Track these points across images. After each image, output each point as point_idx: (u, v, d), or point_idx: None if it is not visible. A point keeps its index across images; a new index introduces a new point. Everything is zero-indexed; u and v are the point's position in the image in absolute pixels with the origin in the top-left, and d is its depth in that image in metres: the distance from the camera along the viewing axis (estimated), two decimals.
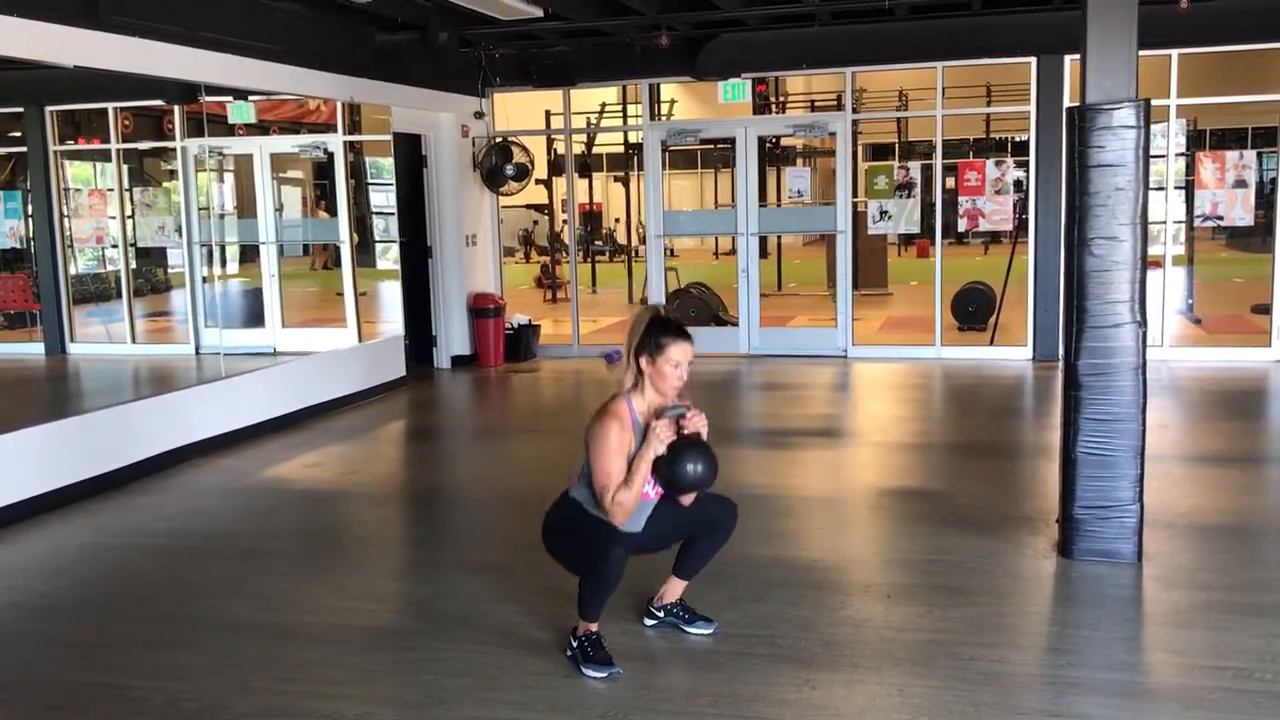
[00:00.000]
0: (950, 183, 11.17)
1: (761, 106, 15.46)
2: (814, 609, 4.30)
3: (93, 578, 5.03)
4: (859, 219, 11.35)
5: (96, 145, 9.82)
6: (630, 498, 3.63)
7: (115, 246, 9.86)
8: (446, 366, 10.85)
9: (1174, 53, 9.49)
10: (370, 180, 10.80)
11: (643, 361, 3.68)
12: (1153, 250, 8.15)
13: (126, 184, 9.99)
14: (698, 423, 3.70)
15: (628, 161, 20.13)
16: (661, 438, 3.62)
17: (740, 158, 11.02)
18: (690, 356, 3.71)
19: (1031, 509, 5.50)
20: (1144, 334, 4.57)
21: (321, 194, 10.93)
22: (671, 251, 20.15)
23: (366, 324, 10.35)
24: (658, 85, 12.46)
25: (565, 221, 13.00)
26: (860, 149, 19.67)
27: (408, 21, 9.09)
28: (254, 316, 10.37)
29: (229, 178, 10.52)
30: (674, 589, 4.07)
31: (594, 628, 3.79)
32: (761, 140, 13.00)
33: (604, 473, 3.63)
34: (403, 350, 9.88)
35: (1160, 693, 3.58)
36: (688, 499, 3.85)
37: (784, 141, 19.93)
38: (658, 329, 3.68)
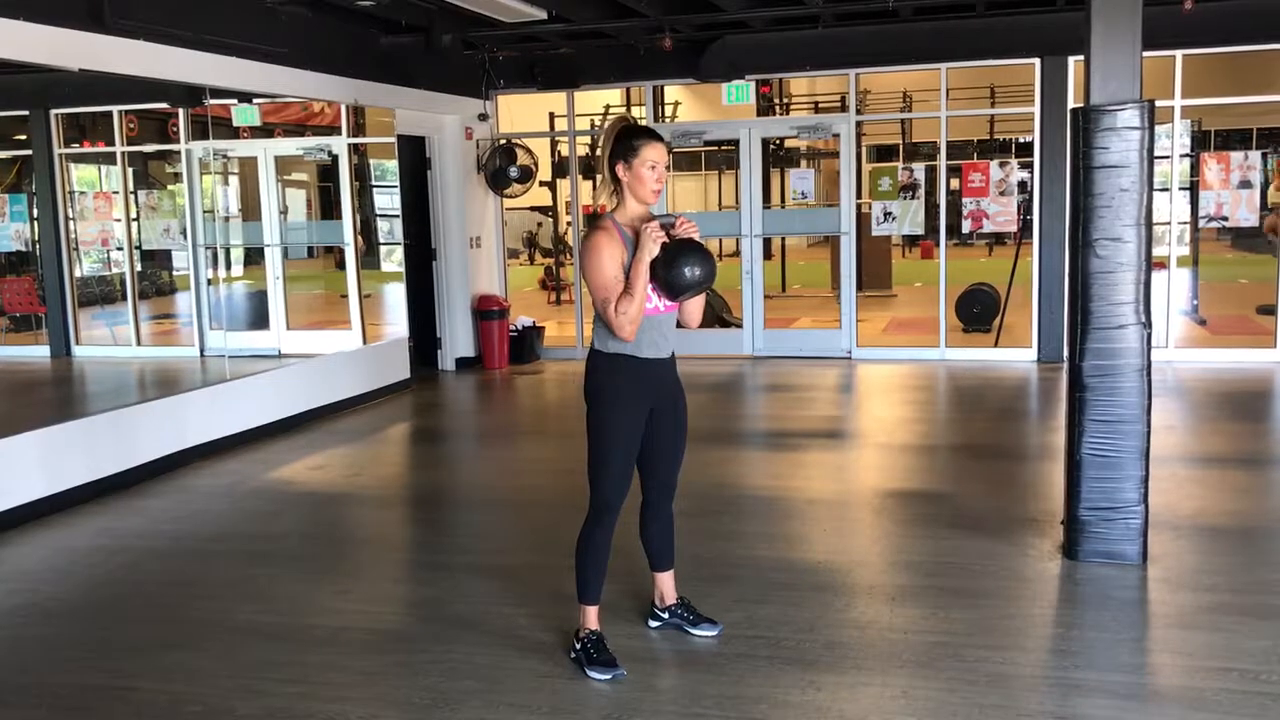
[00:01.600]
0: (954, 184, 11.15)
1: (765, 108, 15.47)
2: (818, 611, 4.30)
3: (98, 580, 5.04)
4: (863, 220, 11.34)
5: (101, 148, 9.85)
6: (634, 306, 3.55)
7: (120, 249, 9.89)
8: (451, 369, 10.85)
9: (1178, 53, 9.48)
10: (375, 183, 10.82)
11: (619, 169, 3.63)
12: (1157, 251, 8.15)
13: (131, 187, 10.02)
14: (689, 229, 3.62)
15: None
16: (654, 238, 3.54)
17: (744, 159, 11.01)
18: (665, 158, 3.65)
19: (1036, 510, 5.49)
20: (1149, 335, 4.56)
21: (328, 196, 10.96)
22: None
23: (371, 326, 10.37)
24: (661, 87, 12.47)
25: (569, 223, 12.99)
26: (864, 150, 19.67)
27: (411, 24, 9.10)
28: (259, 319, 10.39)
29: (233, 180, 10.54)
30: (666, 584, 4.07)
31: (595, 625, 3.79)
32: (765, 142, 13.00)
33: (601, 285, 3.57)
34: (407, 352, 9.88)
35: (1165, 695, 3.57)
36: (693, 312, 3.80)
37: (788, 143, 19.92)
38: (628, 134, 3.64)
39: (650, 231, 3.55)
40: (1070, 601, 4.43)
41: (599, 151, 3.72)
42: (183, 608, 4.60)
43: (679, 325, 3.83)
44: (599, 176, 3.73)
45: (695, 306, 3.83)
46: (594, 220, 3.70)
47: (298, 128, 10.70)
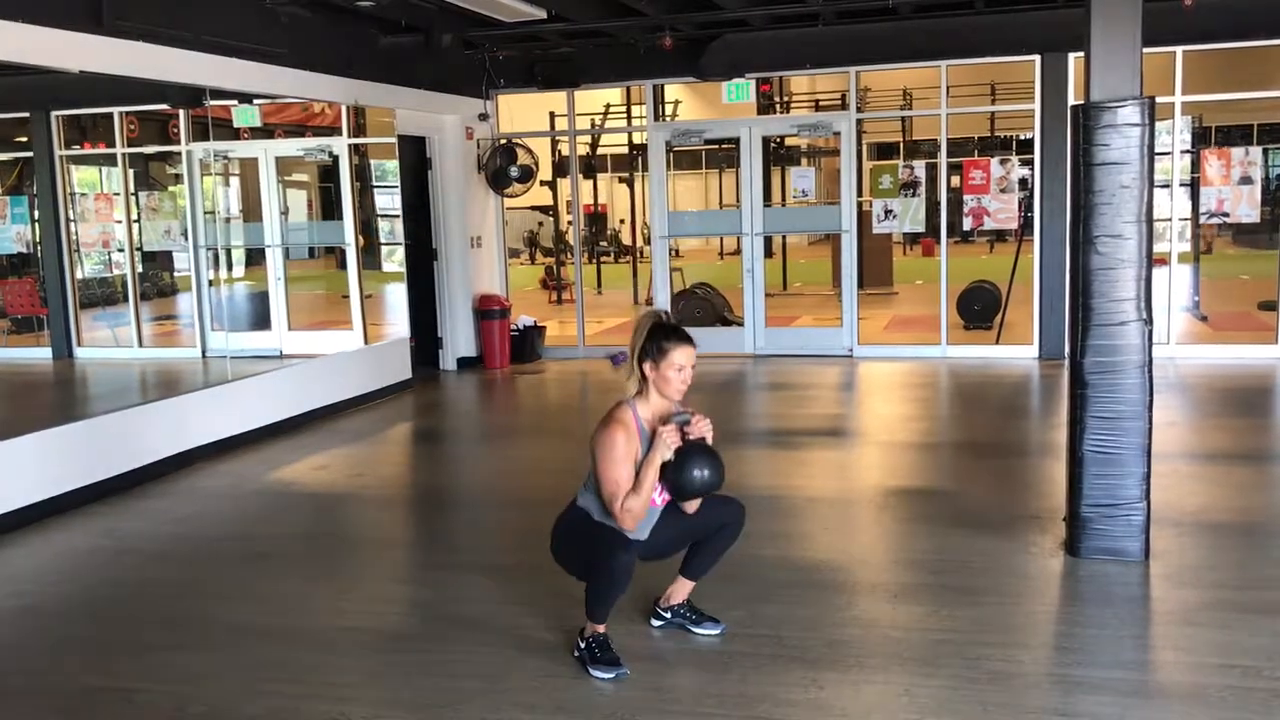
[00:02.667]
0: (955, 181, 11.15)
1: (765, 106, 15.45)
2: (821, 609, 4.30)
3: (101, 581, 5.04)
4: (864, 218, 11.34)
5: (102, 150, 9.85)
6: (639, 504, 3.64)
7: (121, 250, 9.89)
8: (452, 368, 10.86)
9: (1179, 49, 9.48)
10: (375, 183, 10.82)
11: (646, 367, 3.70)
12: (1158, 248, 8.14)
13: (132, 188, 10.02)
14: (703, 428, 3.71)
15: (632, 162, 20.13)
16: (668, 443, 3.63)
17: (745, 158, 11.01)
18: (693, 360, 3.72)
19: (1038, 508, 5.49)
20: (1150, 332, 4.56)
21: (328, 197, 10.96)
22: (676, 252, 20.13)
23: (372, 326, 10.37)
24: (662, 86, 12.46)
25: (570, 223, 13.00)
26: (865, 148, 19.67)
27: (411, 24, 9.10)
28: (260, 320, 10.40)
29: (234, 181, 10.54)
30: (681, 589, 4.08)
31: (601, 629, 3.80)
32: (766, 140, 13.01)
33: (612, 480, 3.64)
34: (408, 352, 9.88)
35: (1168, 691, 3.57)
36: (693, 506, 3.85)
37: (788, 141, 19.91)
38: (659, 334, 3.69)
39: (665, 436, 3.63)
40: (1072, 598, 4.44)
41: (630, 344, 3.75)
42: (186, 608, 4.60)
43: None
44: (628, 367, 3.75)
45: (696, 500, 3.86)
46: (615, 406, 3.74)
47: (298, 128, 10.70)
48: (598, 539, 3.70)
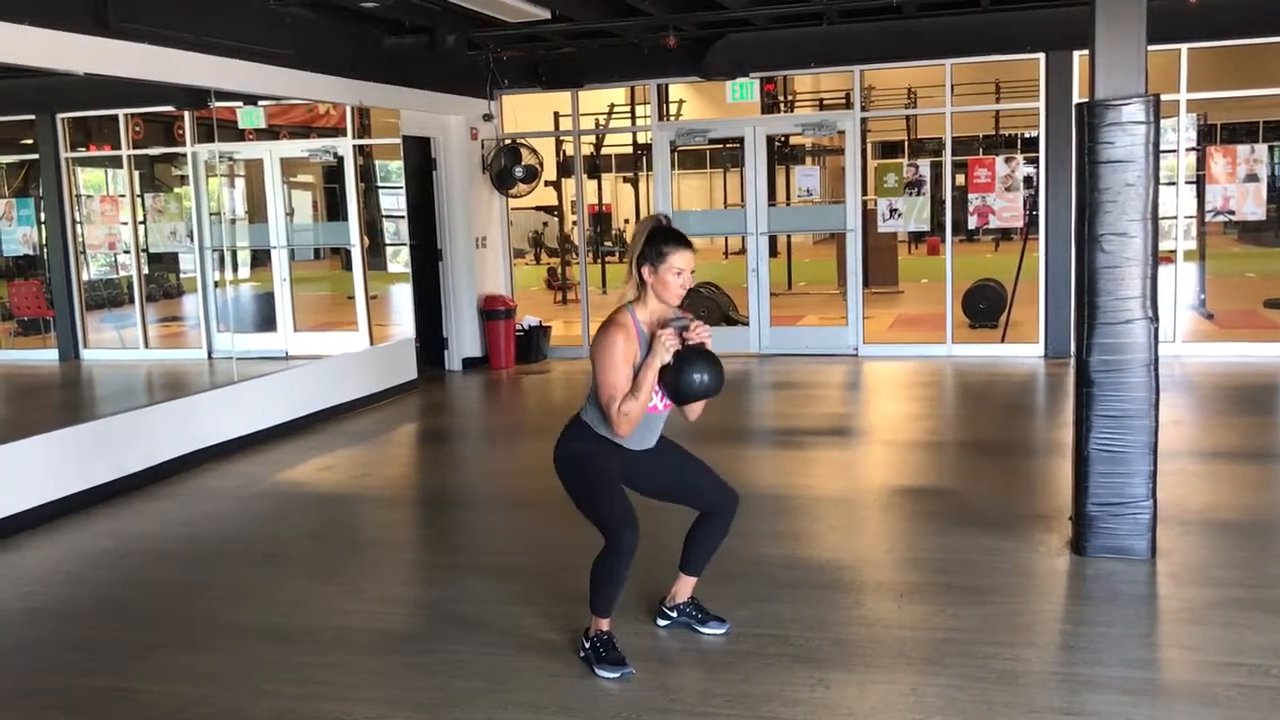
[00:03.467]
0: (960, 180, 11.14)
1: (770, 106, 15.45)
2: (827, 608, 4.30)
3: (107, 582, 5.05)
4: (869, 217, 11.34)
5: (108, 151, 9.87)
6: (636, 407, 3.61)
7: (127, 252, 9.91)
8: (458, 369, 10.87)
9: (1184, 47, 9.46)
10: (380, 184, 10.83)
11: (645, 271, 3.68)
12: (1164, 246, 8.13)
13: (138, 190, 10.05)
14: (702, 333, 3.68)
15: (636, 162, 20.15)
16: (667, 346, 3.59)
17: (749, 157, 11.01)
18: (691, 264, 3.70)
19: (1044, 506, 5.48)
20: (1156, 330, 4.56)
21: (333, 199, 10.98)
22: None
23: (378, 327, 10.39)
24: (666, 86, 12.48)
25: (575, 223, 13.01)
26: (869, 147, 19.63)
27: (415, 25, 9.11)
28: (266, 321, 10.41)
29: (239, 183, 10.57)
30: (685, 587, 4.08)
31: (606, 627, 3.79)
32: (770, 139, 13.01)
33: (610, 383, 3.62)
34: (414, 353, 9.90)
35: (1175, 690, 3.57)
36: (695, 410, 3.82)
37: (793, 140, 19.90)
38: (659, 237, 3.68)
39: (664, 339, 3.60)
40: (1079, 597, 4.43)
41: (629, 248, 3.76)
42: (192, 609, 4.61)
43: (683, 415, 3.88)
44: (627, 271, 3.76)
45: (698, 404, 3.84)
46: (614, 311, 3.74)
47: (303, 129, 10.72)
48: (603, 482, 3.69)
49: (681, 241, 3.69)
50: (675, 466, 3.91)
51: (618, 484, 3.76)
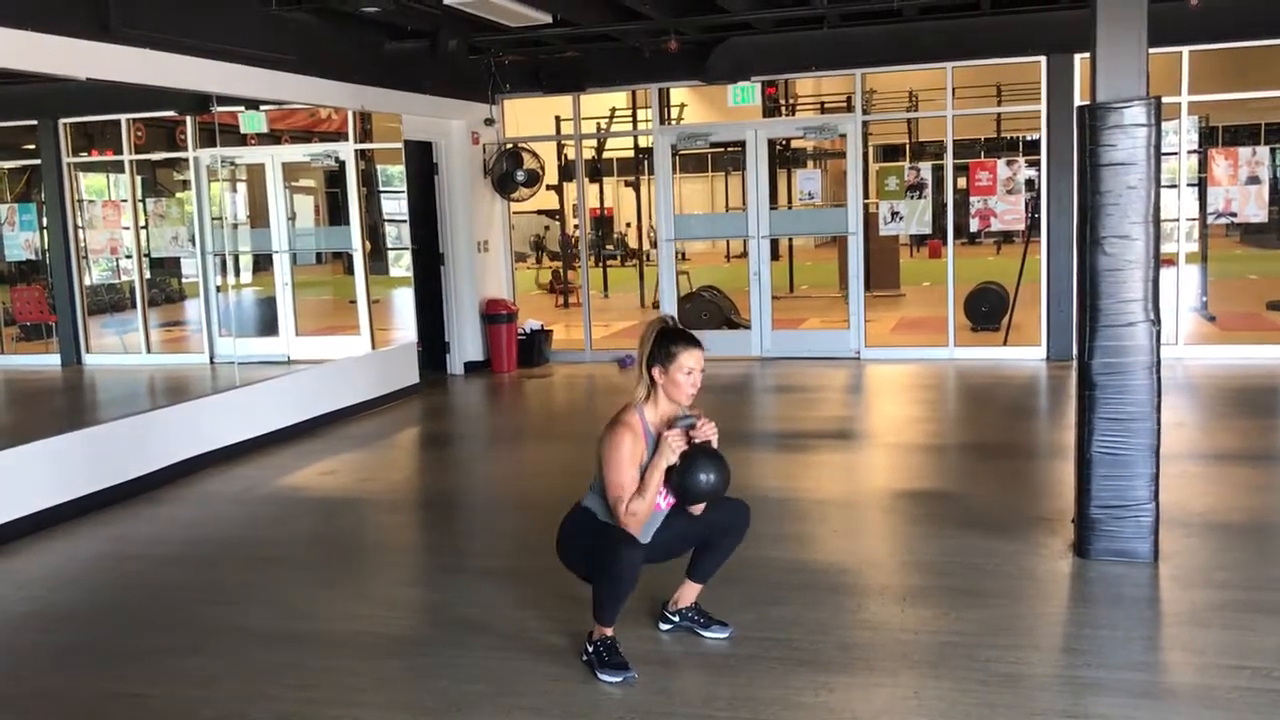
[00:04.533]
0: (962, 183, 11.14)
1: (771, 109, 15.46)
2: (830, 612, 4.29)
3: (110, 586, 5.05)
4: (870, 220, 11.33)
5: (109, 157, 9.87)
6: (644, 507, 3.65)
7: (129, 257, 9.91)
8: (460, 372, 10.87)
9: (1185, 49, 9.46)
10: (382, 188, 10.83)
11: (655, 372, 3.71)
12: (1166, 248, 8.11)
13: (140, 195, 10.05)
14: (708, 431, 3.72)
15: (638, 166, 20.14)
16: (674, 447, 3.64)
17: (750, 161, 11.02)
18: (702, 363, 3.73)
19: (1047, 509, 5.48)
20: (1158, 332, 4.56)
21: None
22: (683, 255, 20.13)
23: (380, 331, 10.38)
24: (667, 89, 12.48)
25: (577, 226, 13.02)
26: (871, 150, 19.64)
27: (417, 30, 9.12)
28: (268, 325, 10.41)
29: (241, 187, 10.56)
30: (689, 592, 4.08)
31: (609, 632, 3.80)
32: (772, 143, 13.00)
33: (617, 484, 3.65)
34: (416, 357, 9.90)
35: (1178, 692, 3.56)
36: (698, 508, 3.85)
37: (794, 144, 19.90)
38: (667, 339, 3.70)
39: (670, 440, 3.63)
40: (1082, 600, 4.42)
41: (638, 350, 3.77)
42: (195, 613, 4.61)
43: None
44: (637, 373, 3.77)
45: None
46: (622, 409, 3.75)
47: (305, 134, 10.72)
48: (603, 537, 3.71)
49: (690, 341, 3.72)
50: (678, 530, 3.89)
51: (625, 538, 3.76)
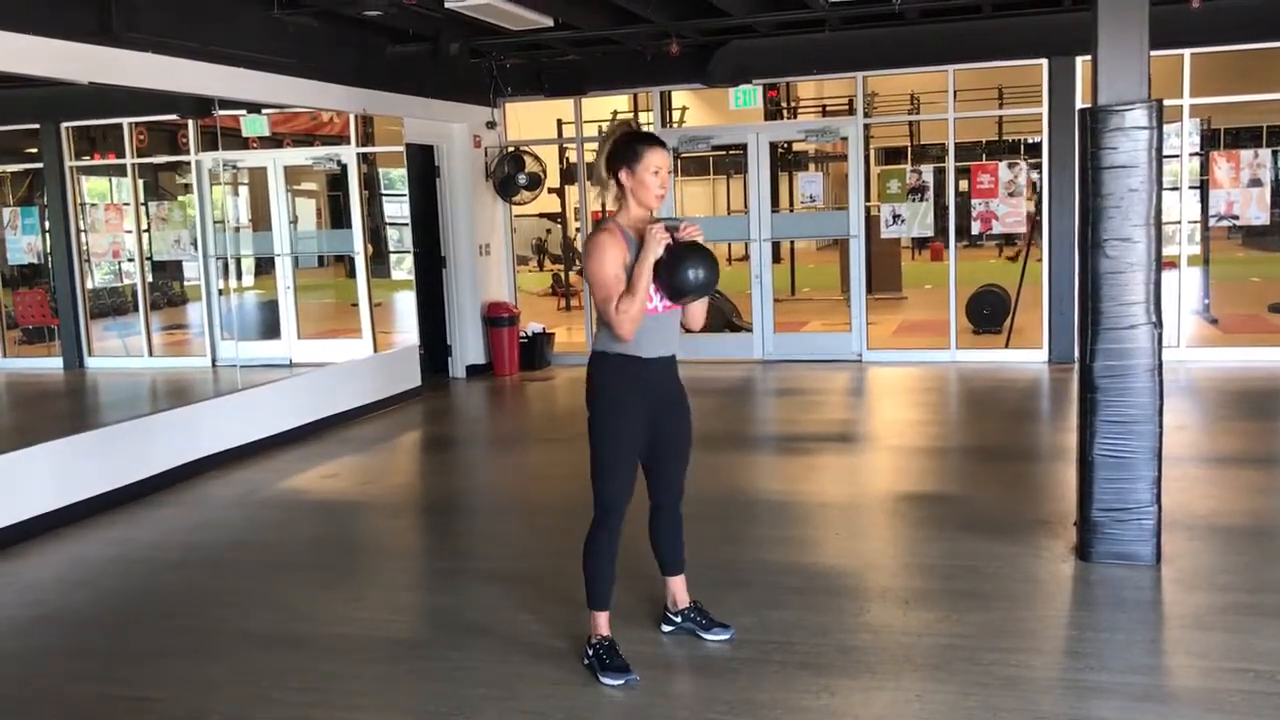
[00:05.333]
0: (963, 185, 11.13)
1: (773, 112, 15.46)
2: (831, 615, 4.29)
3: (113, 590, 5.06)
4: (872, 223, 11.34)
5: (112, 160, 9.89)
6: (635, 305, 3.57)
7: (131, 260, 9.92)
8: (462, 376, 10.87)
9: (1186, 52, 9.46)
10: (384, 191, 10.84)
11: (623, 175, 3.65)
12: (1167, 251, 8.11)
13: (142, 198, 10.06)
14: (692, 231, 3.65)
15: None
16: (658, 239, 3.56)
17: (752, 164, 11.02)
18: (668, 163, 3.67)
19: (1049, 512, 5.48)
20: (1160, 335, 4.55)
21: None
22: None
23: (382, 334, 10.39)
24: (669, 93, 12.48)
25: (578, 229, 13.02)
26: (872, 153, 19.65)
27: (419, 33, 9.13)
28: (270, 328, 10.42)
29: (243, 191, 10.58)
30: (679, 589, 4.08)
31: (605, 630, 3.80)
32: (773, 146, 13.00)
33: (603, 284, 3.59)
34: (418, 360, 9.90)
35: (1181, 696, 3.56)
36: (695, 314, 3.81)
37: (796, 147, 19.90)
38: (630, 139, 3.66)
39: (655, 233, 3.57)
40: (1084, 603, 4.42)
41: (599, 156, 3.74)
42: (197, 617, 4.61)
43: (683, 328, 3.84)
44: (601, 180, 3.74)
45: (699, 308, 3.84)
46: (599, 222, 3.72)
47: (307, 137, 10.73)
48: (606, 472, 3.70)
49: (655, 140, 3.69)
50: (678, 442, 3.88)
51: (634, 453, 3.75)
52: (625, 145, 3.65)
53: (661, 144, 3.69)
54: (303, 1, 7.66)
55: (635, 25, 9.29)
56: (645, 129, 3.78)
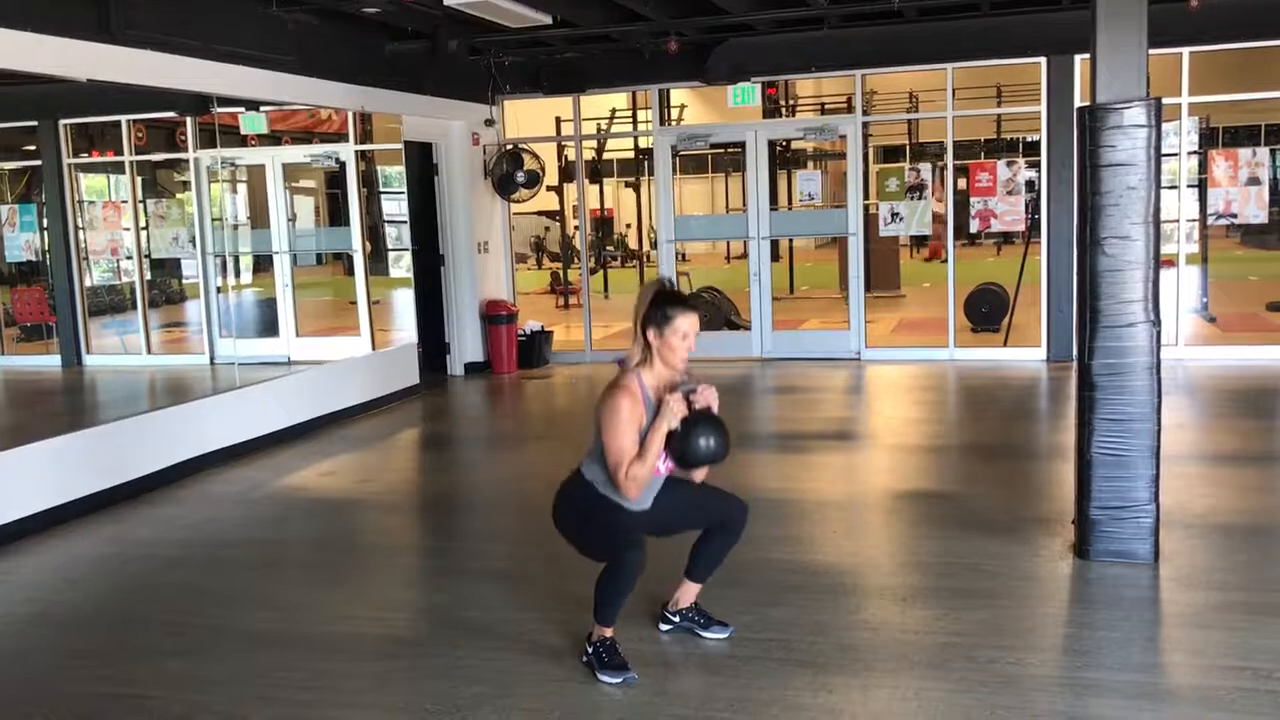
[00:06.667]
0: (962, 184, 11.14)
1: (771, 110, 15.46)
2: (830, 613, 4.29)
3: (110, 588, 5.06)
4: (870, 221, 11.34)
5: (110, 158, 9.88)
6: (644, 471, 3.62)
7: (130, 258, 9.91)
8: (460, 373, 10.87)
9: (1185, 50, 9.46)
10: (382, 189, 10.84)
11: (650, 335, 3.67)
12: (1166, 249, 8.10)
13: (140, 196, 10.05)
14: (708, 396, 3.69)
15: (638, 167, 20.15)
16: (674, 410, 3.60)
17: (751, 161, 11.02)
18: (697, 328, 3.69)
19: (1047, 510, 5.48)
20: (1158, 333, 4.55)
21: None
22: (683, 256, 20.14)
23: (380, 332, 10.39)
24: (667, 90, 12.49)
25: (577, 227, 13.02)
26: (871, 151, 19.63)
27: (417, 31, 9.12)
28: (268, 326, 10.42)
29: (242, 188, 10.57)
30: (688, 593, 4.07)
31: (609, 633, 3.79)
32: (772, 144, 13.00)
33: (617, 448, 3.62)
34: (416, 358, 9.90)
35: (1179, 694, 3.56)
36: (700, 474, 3.85)
37: (794, 145, 19.91)
38: (663, 301, 3.68)
39: (673, 405, 3.61)
40: (1082, 601, 4.42)
41: (633, 312, 3.74)
42: (195, 615, 4.61)
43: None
44: (632, 335, 3.74)
45: (701, 470, 3.86)
46: (619, 374, 3.72)
47: (305, 135, 10.72)
48: (603, 524, 3.70)
49: (687, 305, 3.71)
50: (678, 502, 3.89)
51: (642, 531, 3.76)
52: (656, 307, 3.67)
53: (693, 308, 3.70)
54: None
55: (634, 23, 9.29)
56: (673, 288, 3.79)
